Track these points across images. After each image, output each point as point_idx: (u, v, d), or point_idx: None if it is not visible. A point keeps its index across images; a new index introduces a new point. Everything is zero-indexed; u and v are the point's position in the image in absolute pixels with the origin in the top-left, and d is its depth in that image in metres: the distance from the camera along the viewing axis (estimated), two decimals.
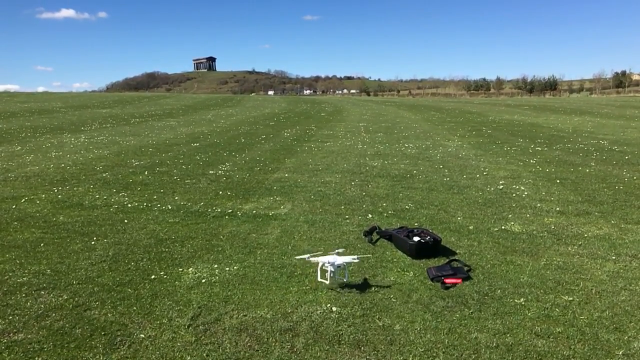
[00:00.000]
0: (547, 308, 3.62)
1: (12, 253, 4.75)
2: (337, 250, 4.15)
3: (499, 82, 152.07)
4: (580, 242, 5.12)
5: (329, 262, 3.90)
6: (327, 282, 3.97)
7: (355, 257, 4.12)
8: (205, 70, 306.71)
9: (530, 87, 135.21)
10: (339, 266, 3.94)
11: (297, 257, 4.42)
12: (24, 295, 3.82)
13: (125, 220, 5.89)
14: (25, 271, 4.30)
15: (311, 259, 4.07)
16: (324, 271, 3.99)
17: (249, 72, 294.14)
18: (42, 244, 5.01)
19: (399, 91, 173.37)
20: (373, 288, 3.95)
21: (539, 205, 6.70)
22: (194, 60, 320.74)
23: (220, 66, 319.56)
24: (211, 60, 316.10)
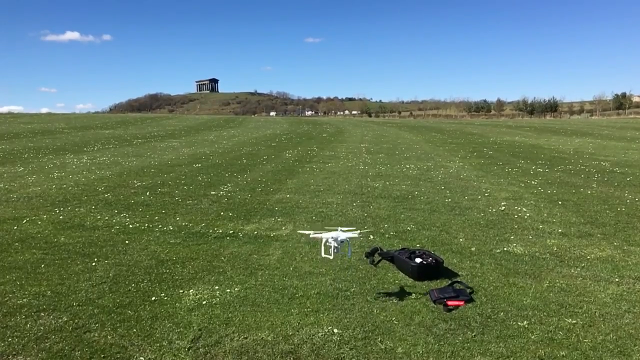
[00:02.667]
0: (551, 331, 3.59)
1: (12, 274, 4.73)
2: (339, 228, 4.23)
3: (500, 104, 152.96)
4: (583, 264, 5.10)
5: (332, 238, 3.96)
6: (331, 258, 4.05)
7: (357, 232, 4.19)
8: (208, 91, 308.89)
9: (530, 108, 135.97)
10: (342, 242, 4.00)
11: (300, 232, 4.49)
12: (23, 317, 3.80)
13: (127, 241, 5.88)
14: (26, 292, 4.28)
15: (315, 235, 4.14)
16: (327, 247, 4.03)
17: (251, 94, 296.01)
18: (42, 265, 4.99)
19: (400, 112, 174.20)
20: (374, 310, 3.93)
21: (541, 226, 6.68)
22: (196, 82, 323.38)
23: (222, 87, 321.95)
24: (214, 81, 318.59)
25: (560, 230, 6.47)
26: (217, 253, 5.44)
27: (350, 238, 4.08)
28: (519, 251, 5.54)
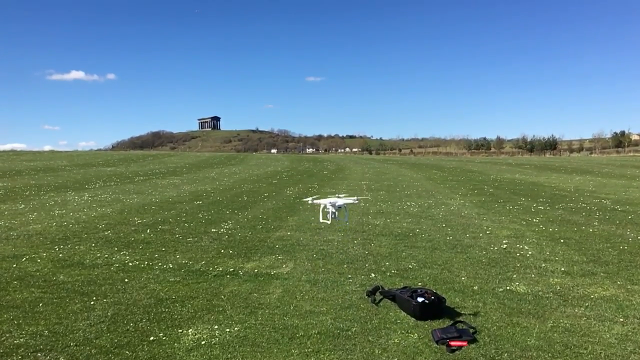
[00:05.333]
0: None
1: (10, 313, 4.69)
2: (337, 195, 4.31)
3: (500, 142, 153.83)
4: (587, 304, 5.04)
5: (330, 204, 4.05)
6: (329, 222, 4.22)
7: (355, 198, 4.28)
8: (210, 129, 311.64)
9: (530, 146, 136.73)
10: (339, 207, 4.08)
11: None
12: (20, 357, 3.74)
13: (126, 280, 5.84)
14: (23, 332, 4.23)
15: (314, 201, 4.22)
16: (325, 213, 4.11)
17: (253, 131, 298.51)
18: (40, 304, 4.95)
19: (400, 150, 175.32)
20: (376, 350, 3.87)
21: (543, 265, 6.63)
22: (198, 119, 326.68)
23: (224, 125, 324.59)
24: (216, 119, 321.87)
25: (563, 269, 6.42)
26: (217, 291, 5.39)
27: (347, 204, 4.19)
28: (522, 290, 5.49)
